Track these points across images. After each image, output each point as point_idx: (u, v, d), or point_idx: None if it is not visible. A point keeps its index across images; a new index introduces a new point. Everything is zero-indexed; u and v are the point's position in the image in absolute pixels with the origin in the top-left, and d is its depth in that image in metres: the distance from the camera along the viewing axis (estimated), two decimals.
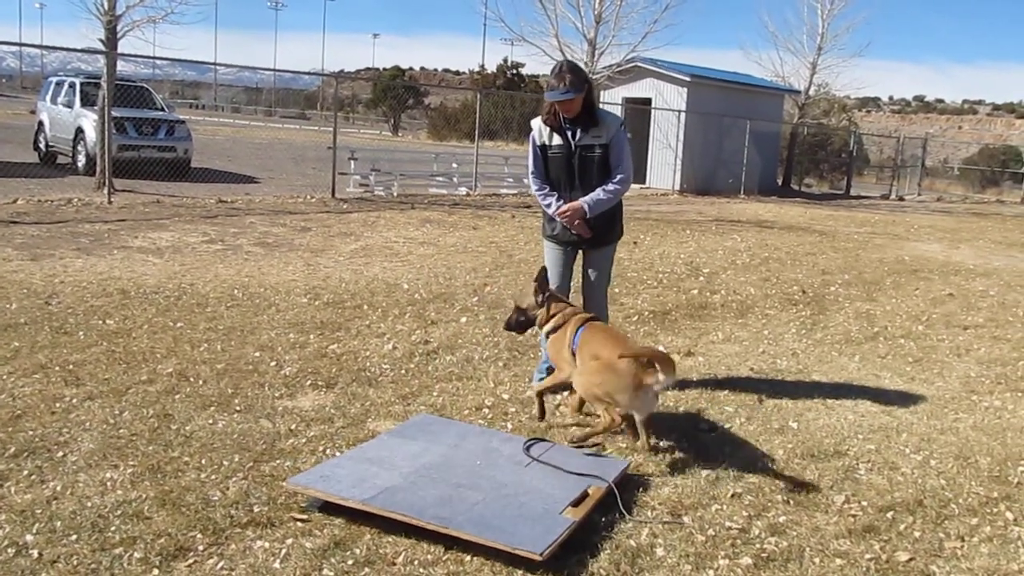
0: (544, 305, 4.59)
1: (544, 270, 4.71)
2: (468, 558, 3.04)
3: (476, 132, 20.37)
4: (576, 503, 3.41)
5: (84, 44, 14.58)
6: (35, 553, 2.91)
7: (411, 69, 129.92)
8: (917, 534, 3.49)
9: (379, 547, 3.09)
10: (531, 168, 4.95)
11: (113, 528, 3.10)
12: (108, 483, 3.46)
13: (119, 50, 13.40)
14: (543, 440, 4.07)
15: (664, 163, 22.58)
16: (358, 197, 15.68)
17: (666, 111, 22.43)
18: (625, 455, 4.09)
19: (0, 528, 3.06)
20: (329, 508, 3.31)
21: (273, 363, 5.22)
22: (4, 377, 4.65)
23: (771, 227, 15.54)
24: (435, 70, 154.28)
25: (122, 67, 16.52)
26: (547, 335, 4.57)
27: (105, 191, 12.58)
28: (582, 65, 19.40)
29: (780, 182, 27.22)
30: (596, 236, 4.88)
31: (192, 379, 4.82)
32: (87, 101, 15.85)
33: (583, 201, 4.72)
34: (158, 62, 22.36)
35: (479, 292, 7.77)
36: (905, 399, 5.35)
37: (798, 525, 3.49)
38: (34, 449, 3.75)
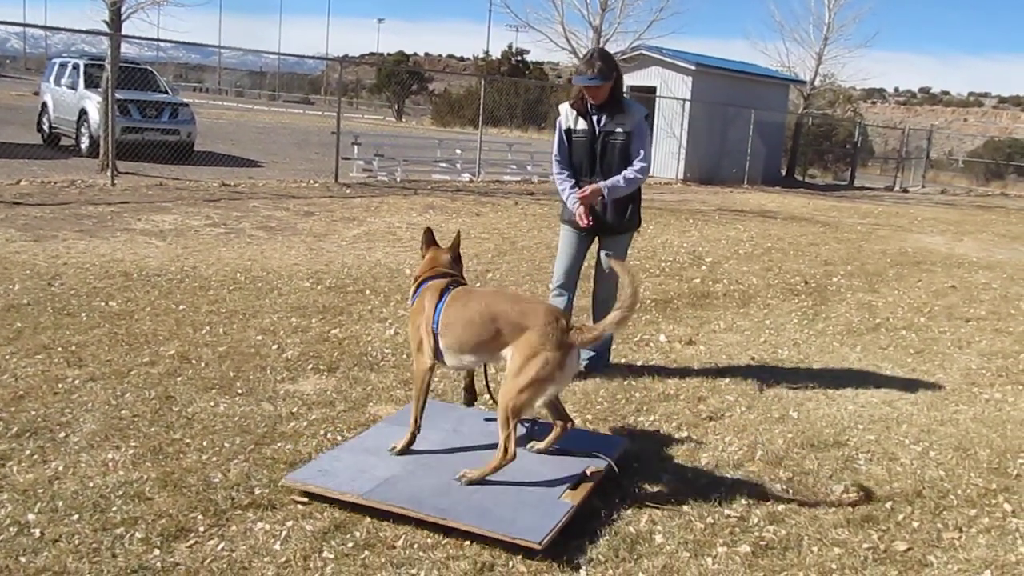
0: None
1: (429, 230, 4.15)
2: (467, 542, 3.06)
3: (480, 118, 20.34)
4: (575, 486, 3.42)
5: (88, 26, 14.55)
6: (37, 532, 2.93)
7: (415, 54, 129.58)
8: (915, 524, 3.50)
9: (379, 530, 3.11)
10: (555, 152, 5.03)
11: (114, 508, 3.11)
12: (110, 464, 3.48)
13: (123, 32, 13.38)
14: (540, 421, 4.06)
15: (668, 152, 22.53)
16: (361, 182, 15.67)
17: (670, 100, 22.37)
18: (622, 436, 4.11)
19: (2, 507, 3.08)
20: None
21: (275, 347, 5.23)
22: (7, 358, 4.66)
23: (774, 217, 15.51)
24: (439, 56, 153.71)
25: (126, 49, 16.44)
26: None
27: (108, 173, 12.58)
28: None
29: (784, 172, 27.17)
30: (612, 223, 4.97)
31: (194, 362, 4.83)
32: (91, 83, 15.84)
33: (602, 184, 4.79)
34: (162, 45, 22.30)
35: (482, 278, 7.77)
36: (906, 390, 5.36)
37: (797, 514, 3.50)
38: (36, 429, 3.76)
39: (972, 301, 8.51)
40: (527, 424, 4.01)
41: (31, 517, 3.02)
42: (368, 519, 3.17)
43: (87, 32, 15.14)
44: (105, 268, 7.00)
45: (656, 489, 3.64)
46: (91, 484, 3.29)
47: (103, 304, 5.91)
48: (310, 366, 4.93)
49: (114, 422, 3.91)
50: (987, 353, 6.48)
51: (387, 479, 3.38)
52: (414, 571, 2.89)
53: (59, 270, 6.80)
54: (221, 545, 2.94)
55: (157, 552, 2.87)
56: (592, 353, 5.17)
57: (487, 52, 71.18)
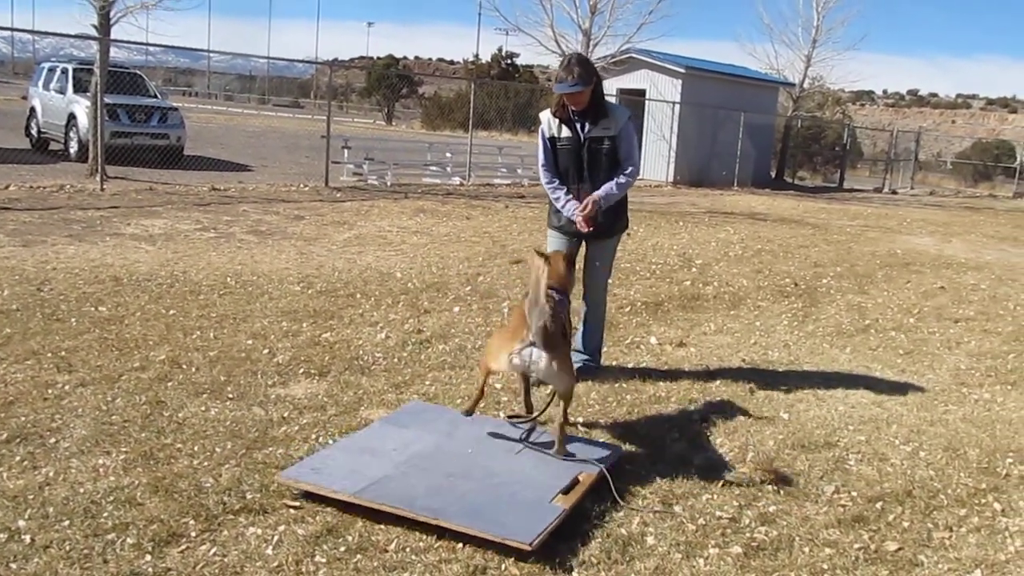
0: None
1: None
2: (460, 545, 3.06)
3: (470, 122, 20.31)
4: (567, 490, 3.43)
5: (77, 30, 14.51)
6: (27, 538, 2.91)
7: (405, 58, 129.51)
8: (906, 524, 3.52)
9: (371, 534, 3.10)
10: (541, 160, 4.97)
11: (106, 514, 3.10)
12: (100, 469, 3.47)
13: (112, 36, 13.34)
14: (535, 425, 4.07)
15: (658, 154, 22.58)
16: (352, 186, 15.66)
17: (660, 102, 22.43)
18: (617, 445, 4.11)
19: None
20: (320, 496, 3.32)
21: (266, 351, 5.22)
22: None
23: (764, 219, 15.56)
24: (429, 59, 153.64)
25: (115, 53, 16.42)
26: None
27: (97, 178, 12.53)
28: None
29: (774, 175, 27.25)
30: (601, 228, 4.89)
31: (185, 366, 4.82)
32: (79, 87, 15.77)
33: (596, 196, 4.73)
34: (151, 49, 22.24)
35: (472, 282, 7.78)
36: (895, 391, 5.38)
37: (788, 515, 3.51)
38: (26, 435, 3.75)
39: (961, 302, 8.55)
40: (521, 426, 4.02)
41: (22, 523, 3.00)
42: (360, 523, 3.17)
43: (76, 36, 15.12)
44: (95, 273, 6.98)
45: (648, 491, 3.65)
46: (82, 490, 3.27)
47: (93, 309, 5.89)
48: (301, 370, 4.92)
49: (105, 427, 3.89)
50: (976, 354, 6.51)
51: (380, 479, 3.39)
52: (407, 575, 2.89)
53: (48, 275, 6.78)
54: (213, 550, 2.94)
55: (149, 557, 2.86)
56: (587, 357, 5.17)
57: (477, 55, 71.36)
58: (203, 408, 4.23)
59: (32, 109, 18.08)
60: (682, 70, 22.59)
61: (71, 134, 16.00)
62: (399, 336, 5.78)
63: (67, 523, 3.03)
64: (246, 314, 6.05)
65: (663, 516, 3.42)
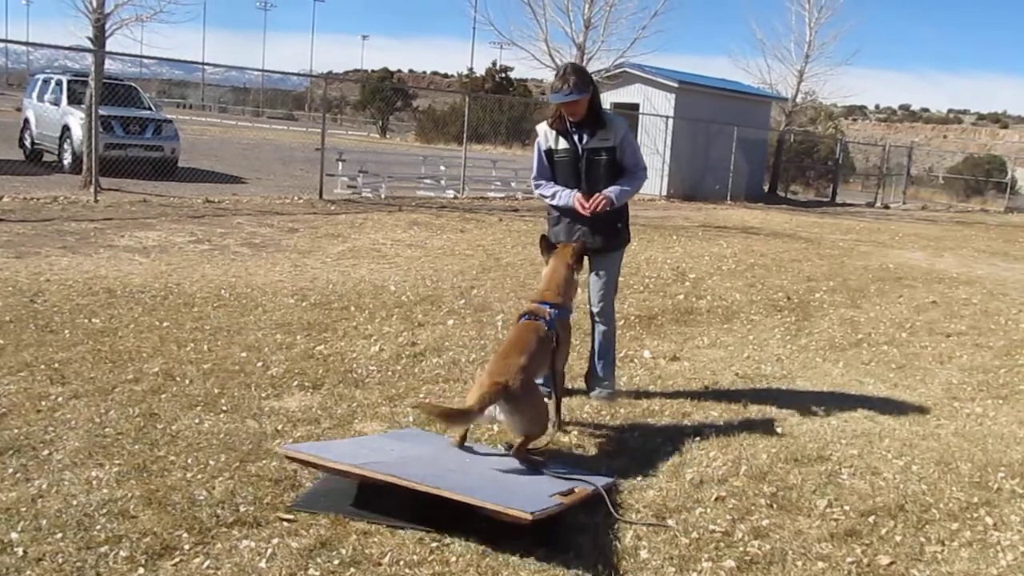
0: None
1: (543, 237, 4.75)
2: (454, 559, 3.06)
3: (464, 135, 20.38)
4: (564, 494, 3.44)
5: (71, 42, 14.52)
6: (20, 551, 2.90)
7: (400, 71, 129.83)
8: (898, 538, 3.53)
9: (365, 547, 3.10)
10: (534, 174, 4.93)
11: (99, 527, 3.10)
12: (94, 482, 3.46)
13: (107, 48, 13.36)
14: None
15: (651, 169, 22.29)
16: (346, 199, 15.67)
17: (654, 117, 22.51)
18: (611, 457, 4.12)
19: None
20: (315, 506, 3.33)
21: (260, 363, 5.22)
22: None
23: (757, 233, 15.61)
24: (424, 72, 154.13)
25: (109, 65, 16.45)
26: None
27: (91, 190, 12.53)
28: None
29: (766, 189, 27.34)
30: (602, 242, 4.81)
31: (178, 379, 4.82)
32: (74, 99, 15.77)
33: (609, 191, 4.67)
34: (146, 61, 22.27)
35: (466, 295, 7.79)
36: (888, 405, 5.40)
37: (781, 528, 3.52)
38: (19, 447, 3.74)
39: (953, 316, 8.59)
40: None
41: (14, 536, 2.99)
42: (354, 536, 3.17)
43: (70, 48, 15.13)
44: (88, 285, 6.97)
45: (641, 504, 3.65)
46: (75, 502, 3.27)
47: (86, 321, 5.88)
48: (295, 383, 4.92)
49: (98, 440, 3.89)
50: (968, 368, 6.54)
51: (381, 462, 3.42)
52: None
53: (42, 287, 6.77)
54: (206, 563, 2.93)
55: (142, 570, 2.86)
56: (591, 378, 5.08)
57: (471, 69, 71.49)
58: (197, 420, 4.22)
59: (26, 120, 18.07)
60: (675, 85, 22.68)
61: (65, 146, 16.00)
62: (393, 349, 5.78)
63: (60, 536, 3.02)
64: (240, 326, 6.05)
65: (657, 530, 3.42)
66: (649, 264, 10.51)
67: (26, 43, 29.08)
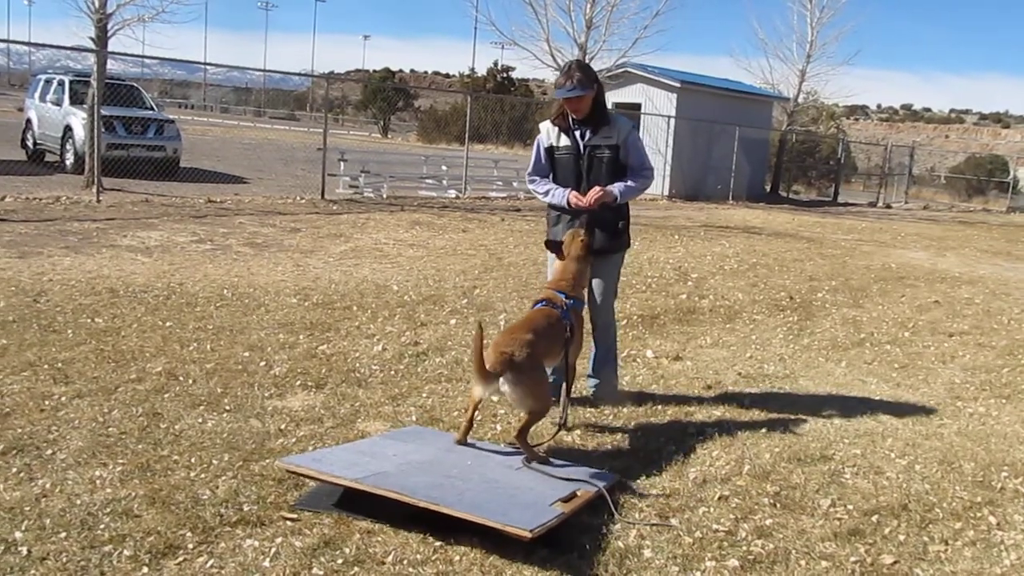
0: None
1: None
2: (457, 558, 3.06)
3: (466, 135, 20.40)
4: (566, 500, 3.43)
5: (73, 42, 14.53)
6: (24, 550, 2.91)
7: (401, 71, 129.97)
8: (902, 538, 3.52)
9: (368, 546, 3.10)
10: (529, 171, 4.91)
11: (102, 526, 3.10)
12: (97, 481, 3.46)
13: (109, 48, 13.37)
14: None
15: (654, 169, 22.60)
16: (348, 198, 15.68)
17: (655, 116, 22.51)
18: (613, 458, 4.12)
19: None
20: (318, 505, 3.33)
21: (263, 363, 5.22)
22: None
23: (759, 233, 15.61)
24: (425, 72, 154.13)
25: (111, 65, 16.45)
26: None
27: (94, 190, 12.54)
28: None
29: (768, 189, 27.34)
30: (603, 244, 4.75)
31: (181, 378, 4.82)
32: (76, 99, 15.80)
33: (614, 187, 4.64)
34: (147, 61, 22.28)
35: (468, 294, 7.79)
36: (891, 404, 5.40)
37: (784, 528, 3.52)
38: (23, 447, 3.74)
39: (955, 316, 8.58)
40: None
41: (18, 535, 3.00)
42: (357, 535, 3.17)
43: (73, 48, 15.15)
44: (91, 285, 6.98)
45: (644, 504, 3.65)
46: (79, 502, 3.27)
47: (89, 321, 5.89)
48: (298, 382, 4.92)
49: (101, 439, 3.89)
50: (970, 367, 6.54)
51: (379, 472, 3.41)
52: None
53: (45, 287, 6.77)
54: (210, 562, 2.93)
55: (146, 570, 2.86)
56: (597, 381, 5.07)
57: (473, 69, 71.50)
58: (200, 420, 4.23)
59: (28, 121, 18.10)
60: (677, 84, 22.68)
61: (67, 146, 16.01)
62: (396, 348, 5.78)
63: (64, 535, 3.02)
64: (243, 326, 6.05)
65: (660, 529, 3.42)
66: (651, 264, 10.50)
67: (28, 43, 29.12)
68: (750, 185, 25.00)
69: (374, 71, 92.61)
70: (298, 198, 14.69)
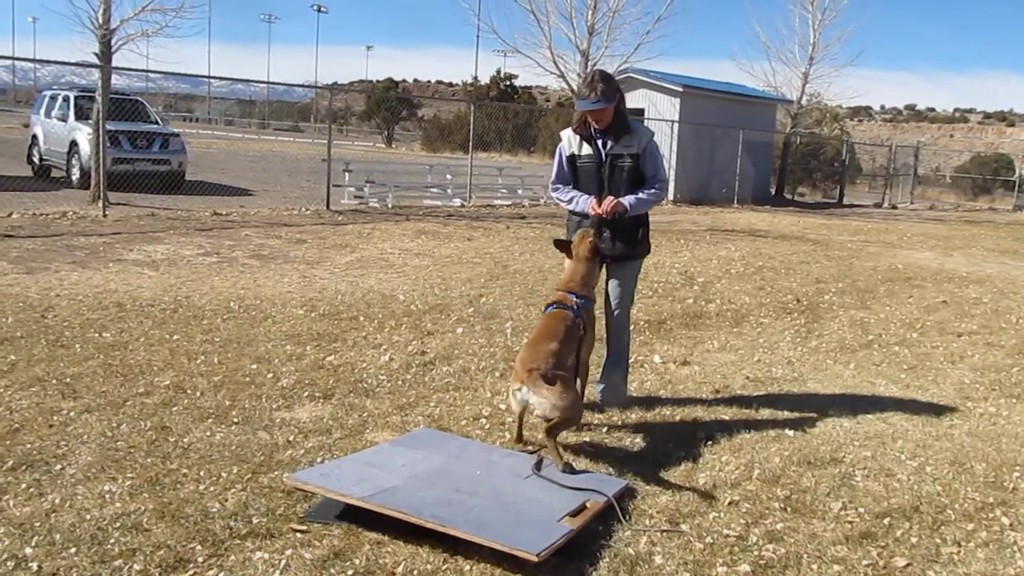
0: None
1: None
2: (467, 568, 3.05)
3: (470, 143, 20.40)
4: (574, 513, 3.42)
5: (78, 58, 14.60)
6: (34, 566, 2.91)
7: (404, 81, 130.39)
8: (914, 540, 3.51)
9: (378, 557, 3.10)
10: (553, 179, 4.93)
11: (112, 540, 3.10)
12: (107, 496, 3.46)
13: (113, 63, 13.43)
14: (544, 457, 4.05)
15: None
16: (353, 209, 15.70)
17: (659, 121, 22.51)
18: (622, 463, 4.11)
19: (0, 541, 3.07)
20: (327, 517, 3.32)
21: (270, 375, 5.22)
22: (1, 391, 4.64)
23: (765, 236, 15.59)
24: (428, 82, 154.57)
25: (115, 80, 16.51)
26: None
27: (100, 204, 12.58)
28: (575, 76, 19.59)
29: (773, 191, 27.32)
30: (622, 249, 4.79)
31: (189, 391, 4.83)
32: (81, 115, 15.87)
33: (625, 199, 4.66)
34: (152, 75, 22.39)
35: (475, 303, 7.79)
36: (900, 406, 5.38)
37: (795, 532, 3.50)
38: (32, 462, 3.75)
39: (963, 316, 8.55)
40: (532, 452, 4.03)
41: (28, 551, 3.00)
42: (367, 546, 3.16)
43: (77, 64, 15.21)
44: (98, 299, 6.99)
45: (654, 510, 3.64)
46: (88, 516, 3.27)
47: (97, 335, 5.90)
48: (306, 394, 4.92)
49: (110, 453, 3.90)
50: (980, 367, 6.51)
51: (388, 488, 3.40)
52: None
53: (52, 302, 6.79)
54: (220, 575, 2.93)
55: None
56: (605, 385, 5.08)
57: (476, 77, 71.63)
58: (208, 433, 4.23)
59: (34, 137, 18.17)
60: (680, 89, 22.69)
61: (73, 161, 16.08)
62: (403, 358, 5.78)
63: (74, 550, 3.02)
64: (250, 338, 6.06)
65: (670, 535, 3.41)
66: (657, 268, 10.49)
67: (33, 60, 29.33)
68: (755, 188, 25.00)
69: (377, 81, 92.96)
70: (303, 209, 14.72)
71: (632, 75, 22.20)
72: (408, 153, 45.77)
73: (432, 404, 4.89)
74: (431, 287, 8.45)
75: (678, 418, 4.89)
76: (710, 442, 4.50)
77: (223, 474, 3.74)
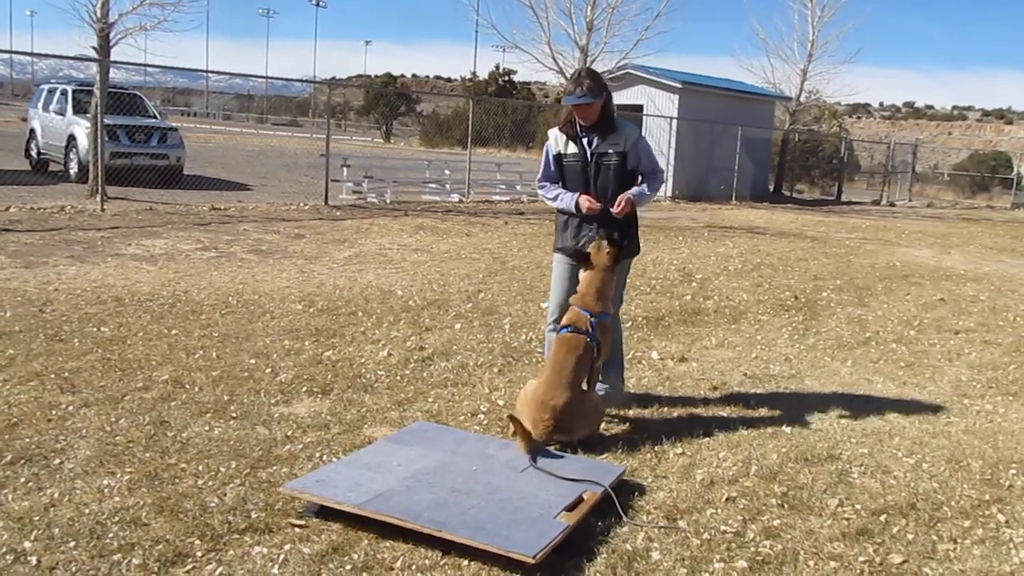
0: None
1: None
2: (465, 563, 3.06)
3: (468, 139, 20.39)
4: (571, 508, 3.43)
5: (76, 51, 14.56)
6: (33, 560, 2.92)
7: (403, 76, 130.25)
8: (910, 537, 3.52)
9: (377, 552, 3.11)
10: (539, 178, 4.92)
11: (111, 535, 3.11)
12: (105, 490, 3.47)
13: (111, 58, 13.41)
14: (541, 446, 4.08)
15: None
16: (351, 204, 15.69)
17: (658, 118, 22.52)
18: (620, 460, 4.12)
19: None
20: (326, 513, 3.33)
21: (268, 370, 5.23)
22: (0, 385, 4.65)
23: (763, 233, 15.60)
24: (427, 77, 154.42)
25: (114, 74, 16.45)
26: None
27: (98, 198, 12.57)
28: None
29: (771, 188, 27.33)
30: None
31: (188, 386, 4.83)
32: (79, 108, 15.83)
33: (630, 192, 4.66)
34: (150, 69, 22.35)
35: (473, 298, 7.79)
36: (897, 403, 5.39)
37: (792, 528, 3.52)
38: (31, 456, 3.75)
39: (961, 313, 8.57)
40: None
41: (27, 545, 3.01)
42: (366, 541, 3.17)
43: (75, 58, 15.17)
44: (96, 294, 6.99)
45: (652, 506, 3.65)
46: (87, 511, 3.28)
47: (95, 330, 5.90)
48: (304, 389, 4.93)
49: (109, 448, 3.90)
50: (977, 365, 6.52)
51: (384, 492, 3.40)
52: None
53: (50, 296, 6.79)
54: (219, 570, 2.94)
55: None
56: (607, 386, 5.07)
57: (474, 73, 71.61)
58: (207, 428, 4.23)
59: (32, 131, 18.14)
60: (679, 85, 22.68)
61: (71, 155, 16.05)
62: (401, 354, 5.79)
63: (73, 544, 3.03)
64: (248, 333, 6.06)
65: (668, 531, 3.42)
66: (655, 265, 10.50)
67: (31, 54, 29.23)
68: (753, 185, 25.00)
69: (376, 76, 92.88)
70: (302, 204, 14.71)
71: (631, 71, 22.20)
72: (407, 148, 45.73)
73: (430, 400, 4.89)
74: (429, 283, 8.46)
75: (675, 414, 4.90)
76: (707, 438, 4.51)
77: (221, 469, 3.74)
